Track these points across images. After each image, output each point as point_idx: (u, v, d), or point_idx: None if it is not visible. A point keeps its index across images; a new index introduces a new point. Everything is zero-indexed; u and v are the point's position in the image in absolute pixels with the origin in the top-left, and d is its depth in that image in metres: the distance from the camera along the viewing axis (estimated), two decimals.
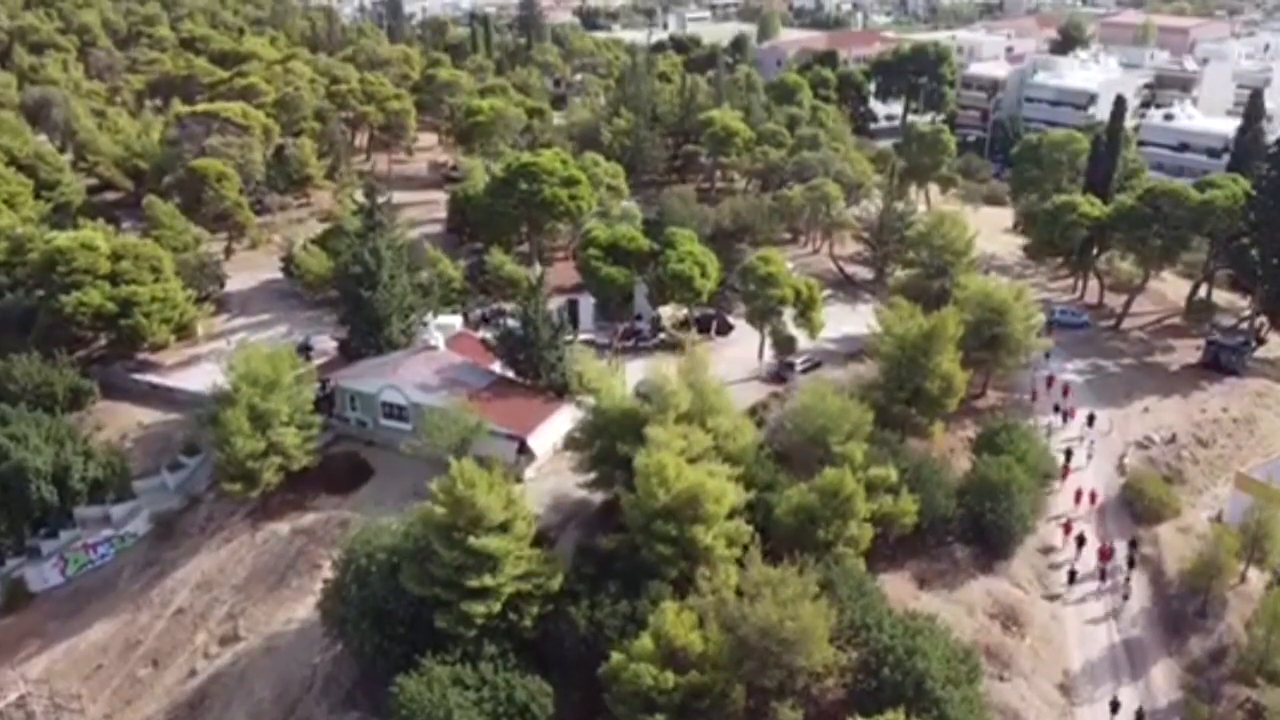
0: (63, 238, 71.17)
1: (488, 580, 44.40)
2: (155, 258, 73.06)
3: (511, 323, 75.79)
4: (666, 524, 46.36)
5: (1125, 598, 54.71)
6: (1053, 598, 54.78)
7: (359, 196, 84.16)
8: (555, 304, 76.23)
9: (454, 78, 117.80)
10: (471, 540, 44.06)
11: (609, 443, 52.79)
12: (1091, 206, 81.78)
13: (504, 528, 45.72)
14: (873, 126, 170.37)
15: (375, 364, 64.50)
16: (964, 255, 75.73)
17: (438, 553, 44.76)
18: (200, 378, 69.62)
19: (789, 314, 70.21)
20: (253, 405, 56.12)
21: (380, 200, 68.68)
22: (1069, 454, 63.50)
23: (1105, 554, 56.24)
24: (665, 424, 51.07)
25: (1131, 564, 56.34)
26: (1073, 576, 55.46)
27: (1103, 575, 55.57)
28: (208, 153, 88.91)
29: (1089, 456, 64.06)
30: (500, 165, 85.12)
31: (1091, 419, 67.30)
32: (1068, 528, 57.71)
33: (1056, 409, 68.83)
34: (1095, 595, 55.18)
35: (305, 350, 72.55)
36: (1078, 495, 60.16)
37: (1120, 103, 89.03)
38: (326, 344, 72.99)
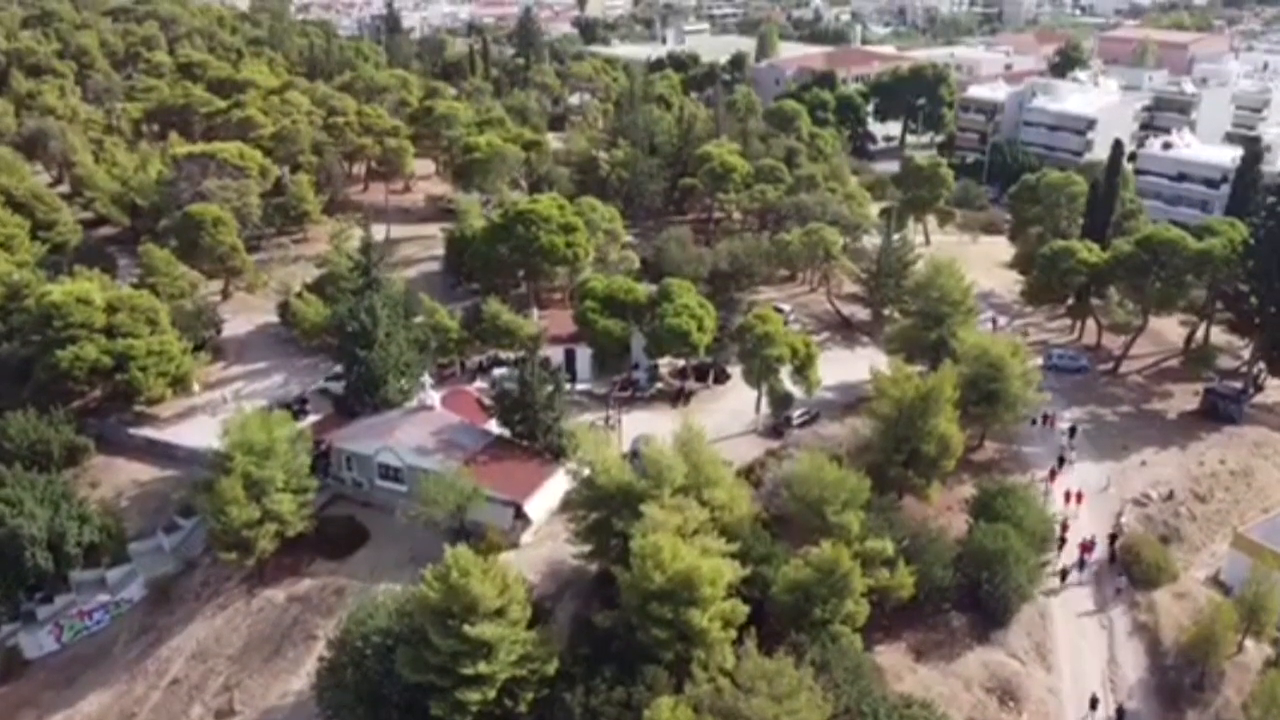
0: (58, 291, 70.95)
1: (483, 668, 44.30)
2: (151, 309, 72.96)
3: (502, 371, 76.28)
4: (662, 606, 46.17)
5: (1118, 590, 58.39)
6: (1045, 594, 58.04)
7: (356, 245, 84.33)
8: (552, 353, 76.47)
9: (452, 109, 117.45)
10: (466, 628, 43.92)
11: (605, 516, 52.71)
12: (1089, 252, 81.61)
13: (499, 613, 45.57)
14: (871, 148, 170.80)
15: (371, 424, 64.37)
16: (961, 305, 75.41)
17: (432, 639, 44.61)
18: (197, 432, 69.75)
19: (786, 371, 69.98)
20: (248, 473, 55.88)
21: (376, 256, 68.23)
22: (1061, 460, 68.86)
23: (1085, 547, 60.57)
24: (661, 499, 51.01)
25: (1113, 559, 60.46)
26: (1064, 575, 59.27)
27: (1081, 565, 59.93)
28: (204, 195, 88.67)
29: (1071, 462, 69.16)
30: (498, 211, 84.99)
31: (1073, 431, 71.97)
32: (1065, 526, 61.63)
33: (1033, 421, 71.90)
34: (1078, 584, 59.47)
35: (302, 403, 72.55)
36: (1066, 496, 65.03)
37: (1118, 146, 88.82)
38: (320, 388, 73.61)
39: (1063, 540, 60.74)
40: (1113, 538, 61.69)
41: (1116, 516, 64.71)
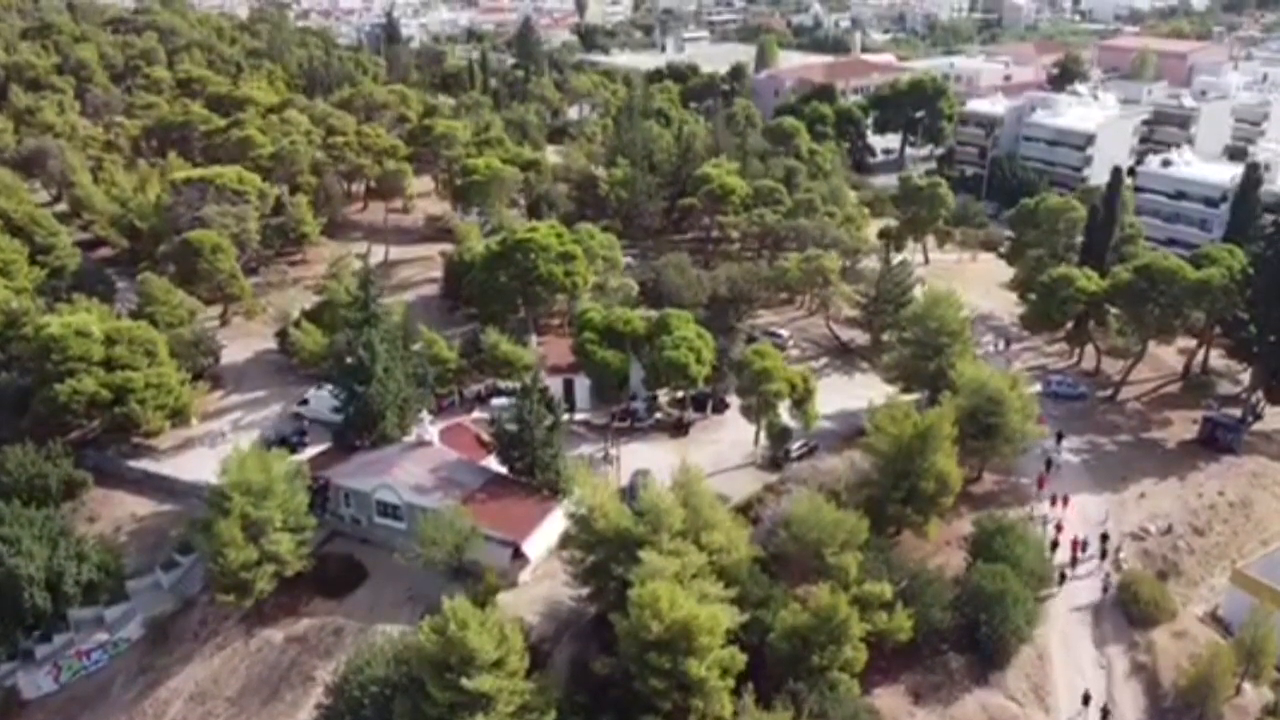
0: (56, 324, 70.74)
1: None
2: (150, 341, 72.78)
3: (502, 401, 76.22)
4: (660, 656, 46.26)
5: (1105, 590, 61.40)
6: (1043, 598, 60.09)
7: (354, 268, 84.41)
8: (551, 382, 76.34)
9: (450, 129, 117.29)
10: (464, 681, 43.93)
11: (603, 559, 52.70)
12: (1088, 280, 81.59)
13: (498, 664, 45.56)
14: (870, 161, 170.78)
15: (369, 460, 64.30)
16: (959, 335, 75.31)
17: (430, 690, 44.62)
18: (195, 464, 69.85)
19: (784, 406, 69.92)
20: (245, 514, 55.83)
21: (374, 291, 68.20)
22: (1049, 464, 71.54)
23: (1075, 545, 63.82)
24: (659, 544, 50.98)
25: (1104, 555, 63.72)
26: (1063, 577, 61.86)
27: (1074, 563, 63.10)
28: (203, 221, 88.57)
29: (1058, 466, 71.98)
30: (496, 238, 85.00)
31: (1060, 437, 74.57)
32: (1060, 528, 65.06)
33: None
34: (1074, 578, 62.65)
35: (300, 436, 72.48)
36: (1053, 499, 67.99)
37: (1117, 173, 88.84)
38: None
39: (1055, 543, 63.54)
40: (1104, 536, 64.63)
41: (1115, 551, 64.81)
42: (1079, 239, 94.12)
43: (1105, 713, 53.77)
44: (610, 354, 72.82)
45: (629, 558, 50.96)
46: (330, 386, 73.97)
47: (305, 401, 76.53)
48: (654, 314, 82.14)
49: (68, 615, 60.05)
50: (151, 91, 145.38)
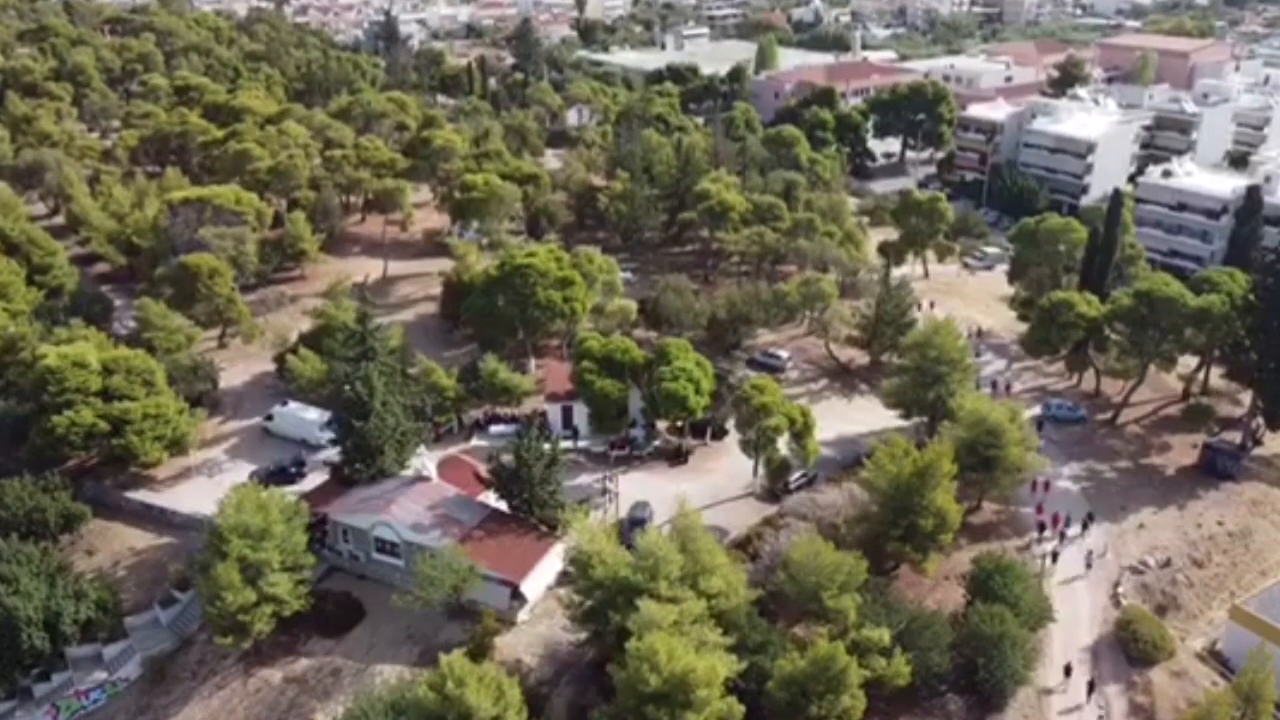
0: (54, 355, 70.40)
1: None
2: (148, 370, 72.45)
3: (501, 428, 76.40)
4: (658, 709, 46.14)
5: (1088, 566, 66.15)
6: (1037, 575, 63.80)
7: (350, 294, 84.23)
8: (550, 409, 76.49)
9: (449, 142, 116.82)
10: None
11: (601, 604, 52.62)
12: (1088, 305, 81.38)
13: None
14: (870, 165, 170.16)
15: (367, 496, 64.07)
16: (959, 363, 75.13)
17: None
18: (194, 495, 69.80)
19: (783, 440, 69.75)
20: (243, 556, 55.65)
21: (372, 325, 67.97)
22: None
23: (1056, 520, 69.00)
24: (657, 591, 50.89)
25: (1084, 527, 69.10)
26: (1055, 556, 66.55)
27: (1062, 537, 68.28)
28: (201, 243, 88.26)
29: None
30: (494, 262, 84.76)
31: (1040, 425, 78.54)
32: (1040, 509, 69.91)
33: None
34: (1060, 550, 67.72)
35: (299, 466, 72.39)
36: (1034, 485, 72.00)
37: (1117, 196, 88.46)
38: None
39: (1041, 525, 68.31)
40: (1090, 516, 69.62)
41: (1114, 586, 64.87)
42: (1079, 254, 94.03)
43: (1091, 686, 57.00)
44: (609, 383, 72.69)
45: (627, 604, 50.88)
46: (293, 403, 77.49)
47: (270, 418, 77.54)
48: (653, 335, 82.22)
49: (66, 654, 59.99)
50: (149, 100, 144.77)
